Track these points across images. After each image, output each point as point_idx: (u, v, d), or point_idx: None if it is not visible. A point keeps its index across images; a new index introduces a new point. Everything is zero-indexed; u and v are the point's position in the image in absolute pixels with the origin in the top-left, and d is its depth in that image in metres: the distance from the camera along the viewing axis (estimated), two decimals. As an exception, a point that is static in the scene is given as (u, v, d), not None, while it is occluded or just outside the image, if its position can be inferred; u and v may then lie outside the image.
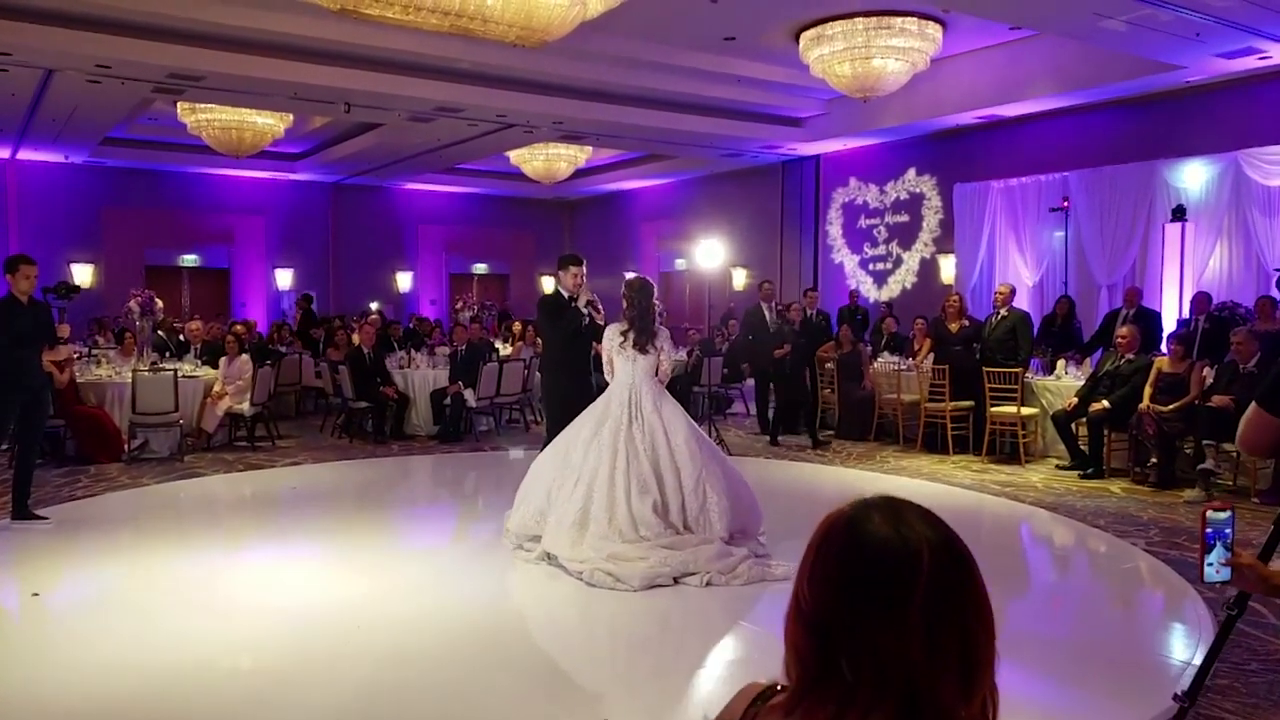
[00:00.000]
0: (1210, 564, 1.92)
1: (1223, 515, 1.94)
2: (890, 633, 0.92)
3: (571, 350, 6.46)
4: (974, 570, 0.99)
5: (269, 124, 13.24)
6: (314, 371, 12.20)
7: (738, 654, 4.49)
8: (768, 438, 10.79)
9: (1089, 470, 8.34)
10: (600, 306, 6.48)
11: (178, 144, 15.55)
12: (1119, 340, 8.58)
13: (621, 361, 5.71)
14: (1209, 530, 1.92)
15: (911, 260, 14.68)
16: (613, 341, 5.75)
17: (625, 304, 5.82)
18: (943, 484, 8.05)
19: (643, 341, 5.69)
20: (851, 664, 0.92)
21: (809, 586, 0.98)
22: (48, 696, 3.79)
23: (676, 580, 5.11)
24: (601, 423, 5.58)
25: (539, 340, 12.74)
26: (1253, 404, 2.23)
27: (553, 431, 6.17)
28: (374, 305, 17.52)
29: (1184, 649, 4.41)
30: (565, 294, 6.57)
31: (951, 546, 0.98)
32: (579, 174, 17.58)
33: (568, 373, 6.45)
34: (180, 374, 9.31)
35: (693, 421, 5.84)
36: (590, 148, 15.83)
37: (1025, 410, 8.98)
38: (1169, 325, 10.15)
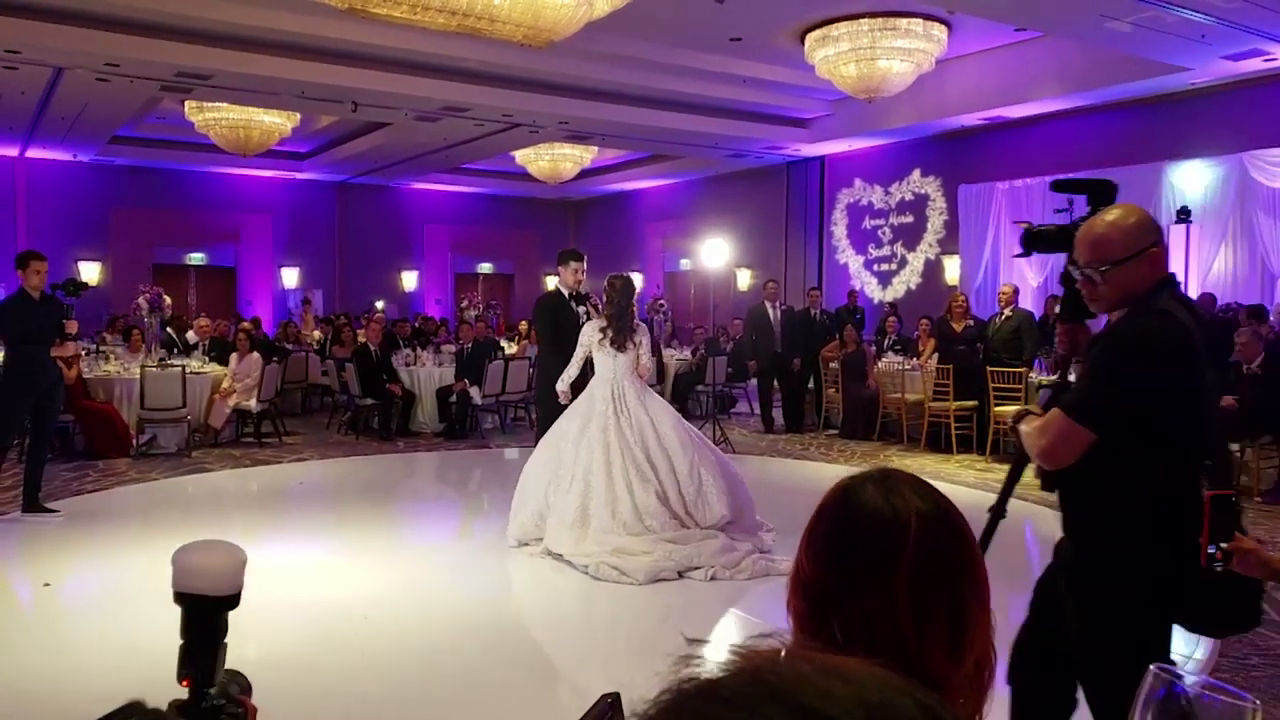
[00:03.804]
0: (1211, 549, 1.96)
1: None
2: (878, 598, 0.96)
3: (570, 351, 6.18)
4: (966, 541, 1.02)
5: (276, 123, 13.31)
6: (320, 369, 12.28)
7: (742, 647, 4.52)
8: (770, 435, 10.84)
9: (1092, 470, 8.35)
10: (600, 304, 6.49)
11: (185, 143, 15.62)
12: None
13: (602, 358, 5.77)
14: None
15: (916, 261, 14.71)
16: (592, 339, 5.81)
17: (605, 301, 5.88)
18: (946, 483, 8.07)
19: (621, 339, 5.74)
20: (843, 627, 0.96)
21: (806, 553, 1.02)
22: (60, 683, 3.84)
23: (681, 574, 5.16)
24: (588, 418, 5.62)
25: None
26: (1057, 413, 2.20)
27: (544, 432, 6.16)
28: (379, 304, 17.59)
29: (1184, 643, 4.42)
30: (565, 290, 6.55)
31: (943, 517, 1.01)
32: (584, 174, 17.62)
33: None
34: (188, 370, 9.37)
35: (677, 413, 5.93)
36: (596, 148, 15.87)
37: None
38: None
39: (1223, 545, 1.94)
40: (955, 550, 1.00)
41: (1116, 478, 2.20)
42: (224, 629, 1.17)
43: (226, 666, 1.21)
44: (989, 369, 9.13)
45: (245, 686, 1.21)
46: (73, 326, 6.64)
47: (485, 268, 21.68)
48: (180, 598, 1.14)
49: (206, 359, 10.66)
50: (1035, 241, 2.51)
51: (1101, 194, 2.38)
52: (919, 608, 0.95)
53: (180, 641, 1.16)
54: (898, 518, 0.99)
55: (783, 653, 0.49)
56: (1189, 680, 0.78)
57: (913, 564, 0.96)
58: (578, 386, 5.94)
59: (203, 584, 1.13)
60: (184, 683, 1.14)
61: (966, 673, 0.96)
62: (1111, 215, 2.28)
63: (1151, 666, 0.81)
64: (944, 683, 0.94)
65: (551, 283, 21.39)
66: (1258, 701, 0.76)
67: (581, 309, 6.44)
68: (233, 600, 1.15)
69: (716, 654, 0.51)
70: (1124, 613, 2.18)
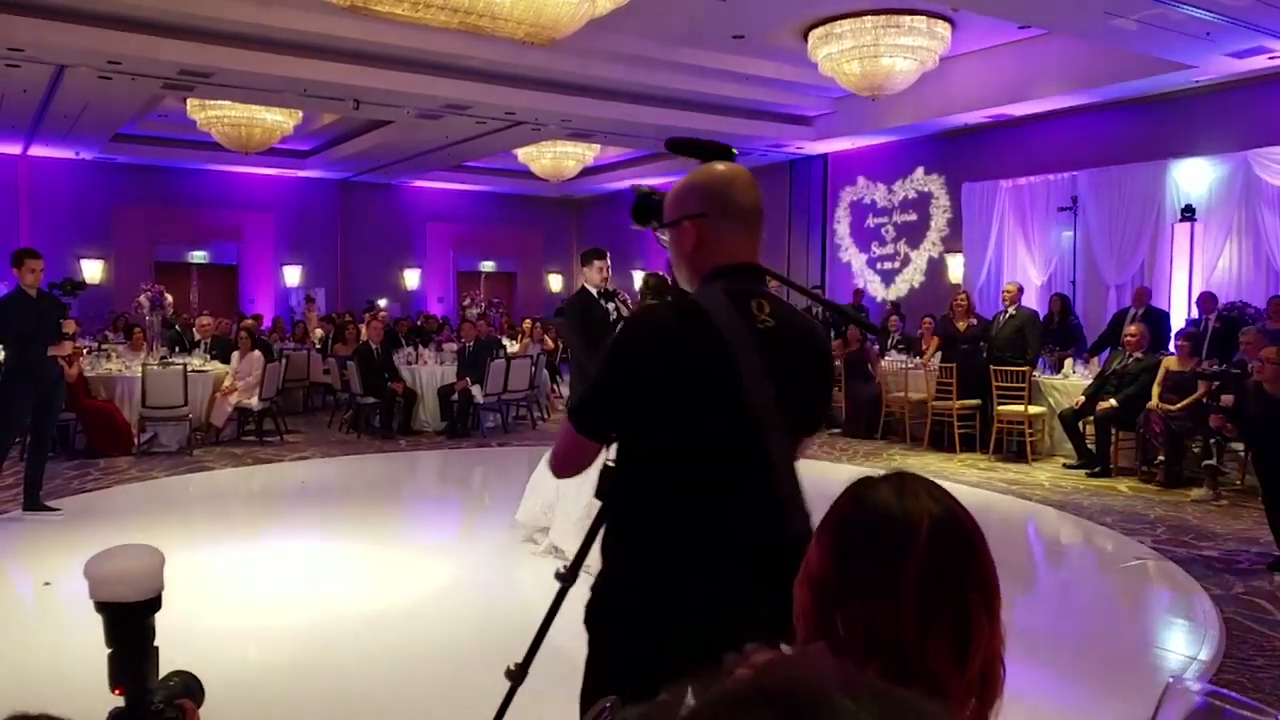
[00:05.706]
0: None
1: None
2: (882, 598, 0.95)
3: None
4: (978, 547, 1.01)
5: (278, 121, 13.28)
6: (322, 368, 12.27)
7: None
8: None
9: (1096, 469, 8.33)
10: (629, 301, 6.44)
11: (187, 140, 15.61)
12: (1127, 339, 8.58)
13: None
14: None
15: (919, 259, 14.67)
16: None
17: (640, 299, 5.88)
18: (950, 482, 8.02)
19: None
20: (846, 624, 0.95)
21: (816, 550, 1.01)
22: (59, 681, 3.82)
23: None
24: None
25: (545, 339, 12.79)
26: (569, 420, 1.83)
27: None
28: (381, 302, 17.58)
29: (1188, 645, 4.41)
30: (593, 289, 6.48)
31: (956, 522, 1.00)
32: (587, 172, 17.60)
33: None
34: (189, 369, 9.36)
35: None
36: (598, 146, 15.85)
37: (1032, 409, 8.97)
38: (1178, 325, 10.13)
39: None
40: (966, 556, 0.99)
41: (632, 492, 1.79)
42: (151, 634, 1.13)
43: (184, 668, 1.18)
44: (992, 368, 9.10)
45: (190, 685, 1.16)
46: (70, 326, 6.63)
47: (488, 266, 21.66)
48: (100, 607, 1.11)
49: (208, 357, 10.66)
50: (647, 207, 1.99)
51: (716, 158, 1.99)
52: (924, 610, 0.94)
53: (108, 650, 1.12)
54: (909, 519, 0.98)
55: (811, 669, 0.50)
56: (1210, 693, 0.75)
57: (921, 566, 0.95)
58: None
59: (120, 591, 1.10)
60: (116, 691, 1.12)
61: (970, 680, 0.95)
62: (697, 171, 1.89)
63: (1170, 679, 0.79)
64: (946, 687, 0.93)
65: (554, 281, 21.42)
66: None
67: (611, 305, 6.39)
68: (154, 604, 1.11)
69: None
70: (614, 649, 1.80)
